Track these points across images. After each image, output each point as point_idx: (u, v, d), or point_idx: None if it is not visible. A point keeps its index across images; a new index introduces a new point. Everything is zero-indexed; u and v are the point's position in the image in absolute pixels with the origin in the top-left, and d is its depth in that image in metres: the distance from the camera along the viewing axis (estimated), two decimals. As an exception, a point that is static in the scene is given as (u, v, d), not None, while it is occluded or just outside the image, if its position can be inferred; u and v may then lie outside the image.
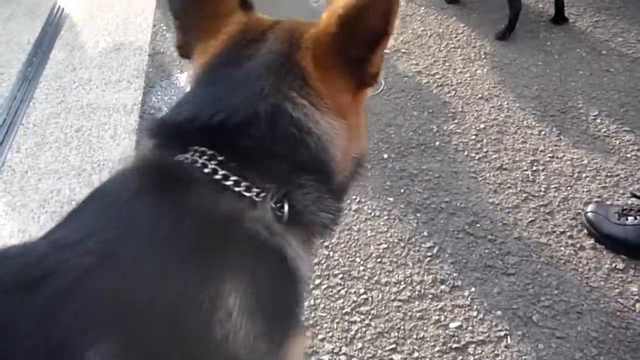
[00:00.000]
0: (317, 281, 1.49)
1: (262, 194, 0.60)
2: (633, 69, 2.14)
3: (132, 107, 2.19)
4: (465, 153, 1.83)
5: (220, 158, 0.61)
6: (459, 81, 2.15)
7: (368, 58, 0.68)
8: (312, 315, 1.40)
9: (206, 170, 0.60)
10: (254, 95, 0.64)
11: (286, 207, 0.62)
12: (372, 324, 1.40)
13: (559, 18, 2.42)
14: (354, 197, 1.70)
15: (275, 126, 0.63)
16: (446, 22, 2.52)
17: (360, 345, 1.36)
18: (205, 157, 0.61)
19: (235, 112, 0.63)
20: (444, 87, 2.13)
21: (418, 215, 1.63)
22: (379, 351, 1.34)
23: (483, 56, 2.28)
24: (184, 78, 2.35)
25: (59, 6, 3.02)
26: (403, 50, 2.36)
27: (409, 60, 2.30)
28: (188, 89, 0.72)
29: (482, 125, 1.93)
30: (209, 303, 0.51)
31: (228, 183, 0.60)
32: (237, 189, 0.60)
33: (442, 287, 1.46)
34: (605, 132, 1.87)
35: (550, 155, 1.80)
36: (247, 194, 0.60)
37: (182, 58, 0.77)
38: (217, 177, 0.60)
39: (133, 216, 0.55)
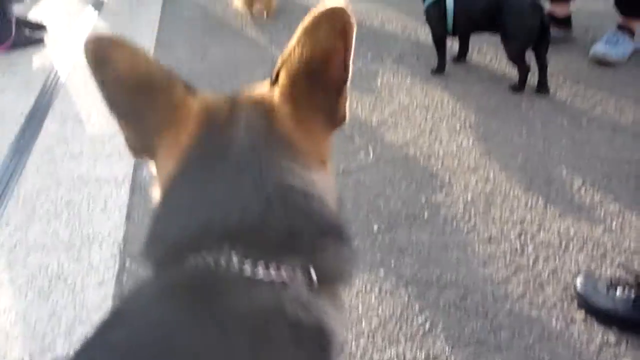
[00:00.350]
0: None
1: (291, 273, 0.58)
2: (613, 138, 2.21)
3: (123, 179, 2.20)
4: (454, 224, 1.85)
5: (242, 254, 0.58)
6: (446, 152, 2.20)
7: (337, 102, 0.71)
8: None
9: (233, 271, 0.56)
10: (255, 184, 0.62)
11: (314, 275, 0.60)
12: (366, 404, 1.38)
13: (542, 88, 2.51)
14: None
15: (286, 205, 0.61)
16: (432, 93, 2.60)
17: None
18: (226, 258, 0.57)
19: (248, 207, 0.60)
20: (431, 158, 2.18)
21: (409, 289, 1.63)
22: None
23: (468, 127, 2.34)
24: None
25: (55, 74, 3.08)
26: (390, 122, 2.42)
27: (396, 132, 2.35)
28: (164, 191, 0.67)
29: (469, 197, 1.96)
30: None
31: (259, 276, 0.57)
32: (267, 278, 0.57)
33: (435, 364, 1.45)
34: (590, 202, 1.90)
35: (538, 225, 1.83)
36: (278, 279, 0.57)
37: (138, 158, 0.73)
38: (246, 273, 0.56)
39: (173, 340, 0.51)
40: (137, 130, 0.70)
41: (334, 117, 0.72)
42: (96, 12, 4.09)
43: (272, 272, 0.57)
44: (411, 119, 2.43)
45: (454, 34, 2.68)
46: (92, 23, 3.87)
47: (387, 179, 2.08)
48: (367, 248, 1.78)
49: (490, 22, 2.51)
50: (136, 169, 2.27)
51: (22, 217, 2.07)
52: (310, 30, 0.65)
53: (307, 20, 0.65)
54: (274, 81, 0.70)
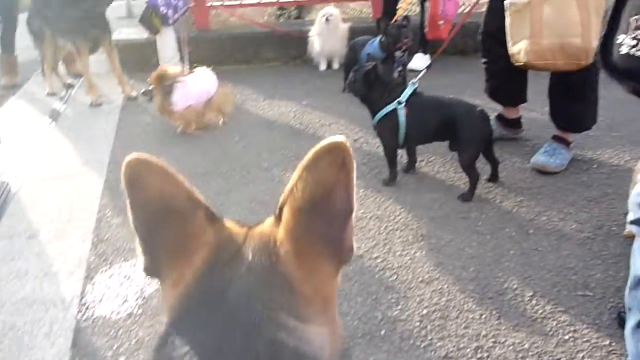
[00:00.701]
0: None
1: None
2: (559, 247, 2.29)
3: (70, 301, 2.12)
4: (411, 341, 1.84)
5: None
6: (400, 264, 2.23)
7: (342, 234, 0.68)
8: None
9: None
10: (246, 340, 0.59)
11: None
12: None
13: (494, 178, 2.79)
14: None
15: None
16: (384, 205, 2.67)
17: None
18: None
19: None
20: (385, 270, 2.20)
21: (368, 415, 1.58)
22: None
23: (421, 238, 2.39)
24: (128, 267, 2.33)
25: (6, 186, 3.03)
26: (345, 233, 2.45)
27: (351, 243, 2.38)
28: (169, 324, 0.64)
29: (425, 311, 1.97)
30: None
31: None
32: None
33: None
34: (541, 313, 1.93)
35: (493, 340, 1.83)
36: None
37: (151, 278, 0.71)
38: None
39: None
40: (152, 253, 0.69)
41: (340, 251, 0.69)
42: (52, 122, 4.11)
43: None
44: (365, 230, 2.47)
45: (406, 146, 2.81)
46: (48, 133, 3.88)
47: (344, 295, 2.07)
48: (324, 369, 1.74)
49: (441, 134, 2.69)
50: (85, 288, 2.20)
51: (-42, 345, 1.95)
52: (311, 165, 0.65)
53: (308, 155, 0.65)
54: (278, 216, 0.68)
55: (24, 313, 2.08)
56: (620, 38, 1.23)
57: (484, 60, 3.19)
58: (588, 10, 2.49)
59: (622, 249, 2.23)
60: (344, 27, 5.05)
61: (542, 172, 2.87)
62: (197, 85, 3.70)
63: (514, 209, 2.57)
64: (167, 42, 4.75)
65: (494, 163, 2.77)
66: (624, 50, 1.22)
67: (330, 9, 5.06)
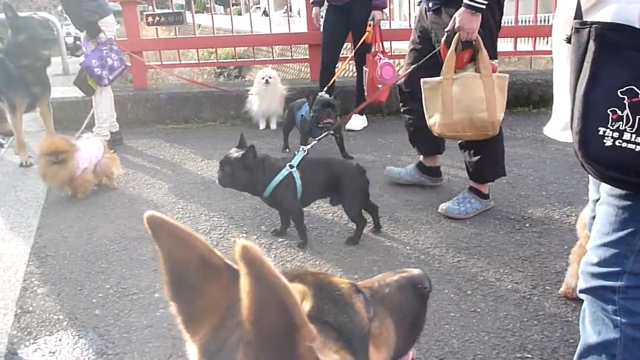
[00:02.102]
0: None
1: None
2: (497, 307, 2.31)
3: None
4: (353, 413, 1.78)
5: None
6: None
7: None
8: None
9: None
10: None
11: None
12: None
13: (378, 227, 2.98)
14: None
15: None
16: (324, 268, 2.64)
17: None
18: None
19: None
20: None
21: None
22: None
23: (361, 302, 2.36)
24: (54, 341, 2.18)
25: None
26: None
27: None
28: None
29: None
30: None
31: None
32: None
33: None
34: (482, 378, 1.93)
35: (436, 408, 1.80)
36: None
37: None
38: None
39: None
40: (180, 311, 0.69)
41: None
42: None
43: None
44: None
45: (302, 204, 2.89)
46: (-30, 198, 3.68)
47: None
48: None
49: (329, 190, 2.90)
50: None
51: None
52: (264, 308, 0.58)
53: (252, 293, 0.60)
54: None
55: None
56: (600, 130, 1.21)
57: (402, 110, 3.48)
58: (493, 88, 2.81)
59: (556, 308, 2.28)
60: (282, 88, 5.15)
61: (447, 217, 3.13)
62: (88, 151, 3.68)
63: (453, 270, 2.60)
64: (102, 103, 4.67)
65: (374, 211, 2.99)
66: (608, 142, 1.21)
67: (269, 71, 5.16)
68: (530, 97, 5.45)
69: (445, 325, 2.20)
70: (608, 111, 1.21)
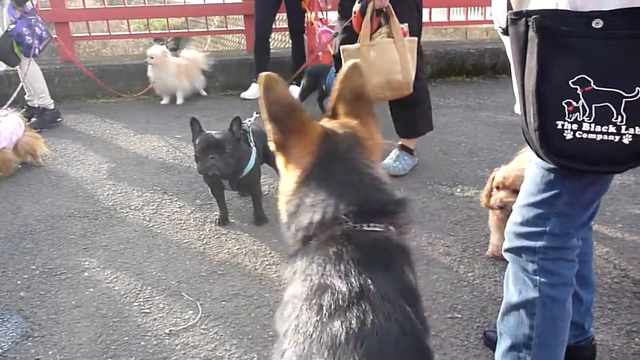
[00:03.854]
0: None
1: (386, 226, 1.01)
2: (429, 271, 2.37)
3: None
4: (287, 381, 1.79)
5: (361, 219, 1.00)
6: (275, 300, 2.18)
7: (372, 109, 1.19)
8: None
9: (358, 228, 0.99)
10: (359, 179, 1.04)
11: (394, 227, 1.03)
12: None
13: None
14: None
15: (376, 190, 1.05)
16: (261, 239, 2.63)
17: None
18: (353, 222, 0.99)
19: (358, 193, 1.03)
20: (261, 308, 2.15)
21: None
22: None
23: (296, 272, 2.36)
24: (-27, 327, 2.08)
25: None
26: (219, 272, 2.38)
27: (225, 282, 2.31)
28: (302, 179, 1.06)
29: (301, 347, 1.93)
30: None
31: (371, 229, 0.99)
32: (375, 229, 1.00)
33: None
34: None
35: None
36: (380, 229, 1.00)
37: (279, 152, 1.11)
38: (365, 228, 0.99)
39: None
40: (282, 132, 1.08)
41: (376, 119, 1.17)
42: None
43: (377, 227, 0.99)
44: (240, 267, 2.41)
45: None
46: None
47: (218, 338, 1.99)
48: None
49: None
50: None
51: None
52: (347, 78, 1.14)
53: (341, 73, 1.15)
54: (332, 114, 1.16)
55: None
56: (559, 124, 1.19)
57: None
58: (405, 51, 2.97)
59: (485, 270, 2.35)
60: (175, 62, 5.01)
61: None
62: (6, 128, 3.49)
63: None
64: (35, 73, 4.43)
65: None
66: (568, 135, 1.19)
67: (153, 50, 4.99)
68: (463, 67, 5.54)
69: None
70: (563, 104, 1.19)
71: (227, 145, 2.57)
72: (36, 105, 4.54)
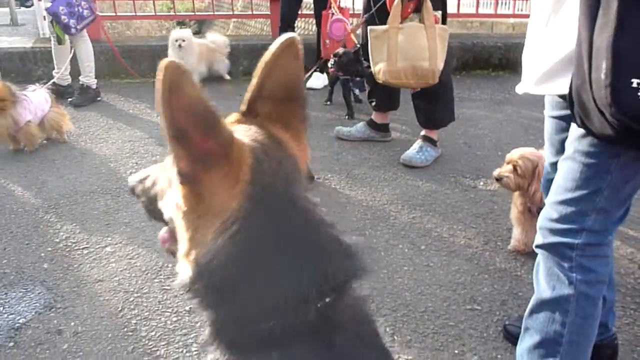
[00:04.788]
0: None
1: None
2: (449, 262, 2.36)
3: None
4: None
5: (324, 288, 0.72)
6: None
7: (305, 113, 0.83)
8: None
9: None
10: (294, 207, 0.73)
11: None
12: None
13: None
14: None
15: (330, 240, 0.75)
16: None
17: None
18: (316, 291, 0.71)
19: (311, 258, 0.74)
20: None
21: None
22: None
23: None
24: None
25: None
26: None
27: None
28: (248, 229, 0.70)
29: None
30: None
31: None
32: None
33: None
34: (433, 328, 1.97)
35: None
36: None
37: (184, 184, 0.74)
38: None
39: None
40: (193, 157, 0.69)
41: (305, 126, 0.82)
42: None
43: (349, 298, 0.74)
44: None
45: None
46: None
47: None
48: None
49: None
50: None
51: None
52: (273, 61, 0.75)
53: (268, 53, 0.75)
54: (248, 111, 0.79)
55: None
56: (634, 82, 1.11)
57: (364, 65, 3.59)
58: (435, 38, 2.92)
59: (507, 263, 2.34)
60: (199, 44, 5.00)
61: (409, 166, 3.24)
62: (33, 103, 3.52)
63: (407, 226, 2.63)
64: (85, 50, 4.49)
65: None
66: None
67: (183, 33, 4.98)
68: (489, 60, 5.48)
69: (398, 279, 2.23)
70: None
71: None
72: (64, 84, 4.58)
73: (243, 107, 0.79)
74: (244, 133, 0.76)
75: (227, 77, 5.27)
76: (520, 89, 1.55)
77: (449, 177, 3.14)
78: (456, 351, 1.87)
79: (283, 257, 0.70)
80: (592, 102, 1.18)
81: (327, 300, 0.69)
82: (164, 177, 0.85)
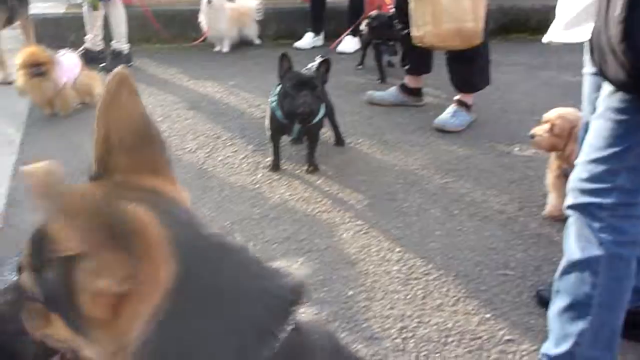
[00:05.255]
0: None
1: None
2: (482, 227, 2.32)
3: None
4: (337, 323, 1.81)
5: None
6: (326, 246, 2.19)
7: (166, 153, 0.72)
8: None
9: None
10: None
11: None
12: None
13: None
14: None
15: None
16: (312, 187, 2.63)
17: None
18: None
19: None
20: (311, 252, 2.16)
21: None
22: None
23: (347, 220, 2.36)
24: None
25: None
26: (271, 216, 2.40)
27: (277, 226, 2.32)
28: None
29: (350, 292, 1.95)
30: None
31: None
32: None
33: None
34: (464, 293, 1.95)
35: (418, 320, 1.83)
36: None
37: None
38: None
39: None
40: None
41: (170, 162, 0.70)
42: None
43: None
44: (291, 212, 2.42)
45: None
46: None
47: (268, 278, 2.01)
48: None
49: None
50: None
51: None
52: (112, 105, 0.65)
53: (102, 98, 0.65)
54: (100, 171, 0.65)
55: None
56: None
57: (399, 27, 3.48)
58: None
59: (541, 229, 2.29)
60: (231, 8, 4.94)
61: (442, 131, 3.18)
62: (67, 65, 3.55)
63: (440, 191, 2.59)
64: (121, 16, 4.51)
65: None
66: None
67: None
68: (527, 24, 5.30)
69: (430, 243, 2.22)
70: None
71: (318, 84, 2.57)
72: (97, 50, 4.61)
73: (93, 169, 0.66)
74: (102, 192, 0.61)
75: (257, 41, 5.23)
76: (546, 37, 1.52)
77: (483, 142, 3.08)
78: (487, 315, 1.85)
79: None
80: (607, 43, 1.16)
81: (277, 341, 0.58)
82: None
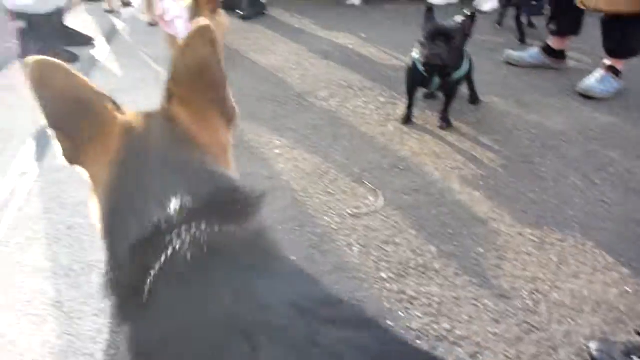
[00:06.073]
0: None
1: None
2: (626, 199, 2.19)
3: None
4: (465, 277, 1.80)
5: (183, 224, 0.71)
6: (457, 202, 2.17)
7: (224, 96, 0.85)
8: None
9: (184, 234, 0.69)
10: (172, 182, 0.73)
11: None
12: None
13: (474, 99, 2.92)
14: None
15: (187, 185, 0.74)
16: (444, 142, 2.59)
17: None
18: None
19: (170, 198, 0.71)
20: (441, 207, 2.15)
21: (419, 342, 1.57)
22: None
23: (479, 178, 2.32)
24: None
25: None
26: (400, 167, 2.40)
27: (406, 177, 2.33)
28: (105, 194, 0.77)
29: (480, 249, 1.93)
30: None
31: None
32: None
33: None
34: (604, 264, 1.87)
35: (550, 284, 1.78)
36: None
37: (72, 165, 0.82)
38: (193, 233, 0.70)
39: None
40: (72, 141, 0.80)
41: (225, 109, 0.85)
42: (110, 39, 4.12)
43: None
44: (422, 166, 2.41)
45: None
46: (104, 51, 3.90)
47: (397, 226, 2.04)
48: (374, 296, 1.73)
49: None
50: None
51: (21, 238, 2.01)
52: (186, 48, 0.80)
53: (186, 38, 0.80)
54: (169, 97, 0.82)
55: (84, 215, 2.13)
56: None
57: None
58: None
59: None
60: None
61: (586, 97, 3.00)
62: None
63: (581, 158, 2.46)
64: None
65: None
66: None
67: None
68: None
69: (568, 211, 2.13)
70: None
71: (456, 37, 2.49)
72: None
73: (164, 94, 0.83)
74: (135, 114, 0.83)
75: (391, -4, 5.14)
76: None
77: (632, 112, 2.87)
78: (628, 289, 1.76)
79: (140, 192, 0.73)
80: None
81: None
82: None
